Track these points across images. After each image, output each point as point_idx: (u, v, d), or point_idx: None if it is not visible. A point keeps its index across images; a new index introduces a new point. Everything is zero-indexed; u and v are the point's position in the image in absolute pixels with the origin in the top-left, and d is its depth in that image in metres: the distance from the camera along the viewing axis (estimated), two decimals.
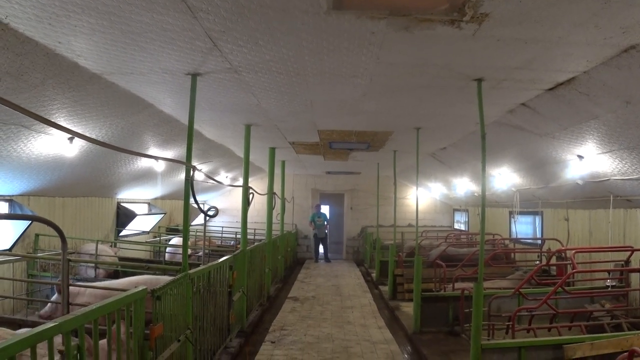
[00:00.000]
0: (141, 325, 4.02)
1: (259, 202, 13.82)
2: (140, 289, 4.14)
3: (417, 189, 9.18)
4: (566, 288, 7.84)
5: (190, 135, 5.52)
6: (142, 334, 4.03)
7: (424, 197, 18.23)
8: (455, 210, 17.99)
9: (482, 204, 5.26)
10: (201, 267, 6.12)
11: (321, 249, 18.30)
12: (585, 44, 4.02)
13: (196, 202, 5.45)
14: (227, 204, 17.76)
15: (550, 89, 5.51)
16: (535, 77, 5.06)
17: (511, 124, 7.15)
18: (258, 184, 16.78)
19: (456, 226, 17.58)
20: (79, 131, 6.43)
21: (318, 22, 3.71)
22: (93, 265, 8.36)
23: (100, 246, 9.45)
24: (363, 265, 16.86)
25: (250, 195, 8.42)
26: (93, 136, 6.74)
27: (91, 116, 6.19)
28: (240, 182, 16.91)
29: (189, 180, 5.35)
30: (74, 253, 9.00)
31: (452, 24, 3.63)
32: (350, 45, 4.23)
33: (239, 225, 15.88)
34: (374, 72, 5.02)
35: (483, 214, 5.17)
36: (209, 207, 6.24)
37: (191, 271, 5.41)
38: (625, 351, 3.99)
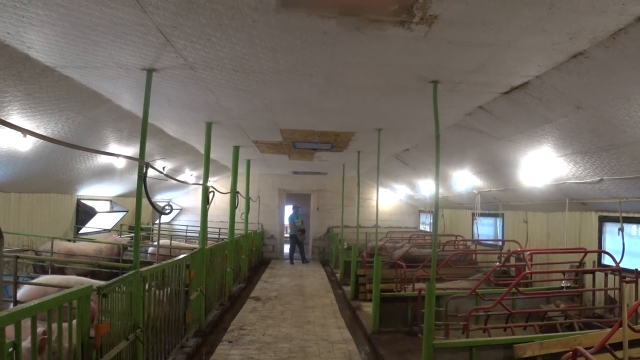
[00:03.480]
0: (86, 323, 3.93)
1: (224, 201, 13.67)
2: (85, 286, 4.05)
3: (377, 189, 9.21)
4: (523, 289, 8.02)
5: (144, 131, 5.41)
6: (87, 332, 3.95)
7: (389, 199, 18.37)
8: (420, 211, 18.17)
9: (435, 204, 5.31)
10: (155, 265, 6.01)
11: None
12: (535, 48, 4.09)
13: (149, 199, 5.34)
14: (192, 202, 17.52)
15: (506, 93, 5.59)
16: (490, 81, 5.13)
17: (470, 127, 7.24)
18: (224, 183, 16.68)
19: (421, 228, 17.75)
20: (34, 125, 6.25)
21: (268, 19, 3.67)
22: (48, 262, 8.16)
23: (61, 243, 9.22)
24: (329, 265, 16.88)
25: (211, 194, 8.30)
26: (49, 131, 6.57)
27: (45, 110, 6.01)
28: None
29: (142, 177, 5.24)
30: (27, 250, 8.76)
31: (402, 25, 3.64)
32: (303, 44, 4.20)
33: (198, 223, 15.77)
34: (330, 71, 5.01)
35: (436, 215, 5.21)
36: (164, 204, 6.11)
37: (143, 269, 5.31)
38: (570, 350, 4.08)
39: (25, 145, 6.40)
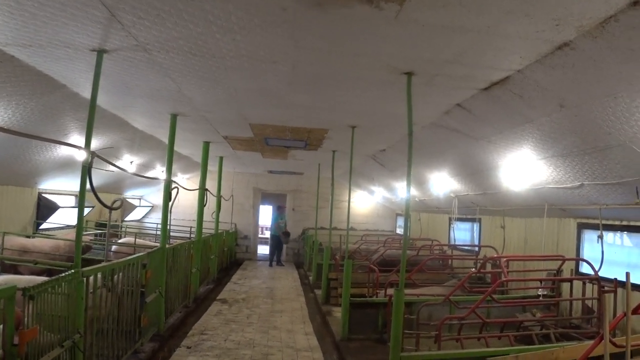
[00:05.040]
0: (9, 329, 3.50)
1: (196, 199, 13.17)
2: (8, 286, 3.60)
3: (349, 189, 8.84)
4: (499, 297, 7.71)
5: (92, 117, 4.94)
6: (11, 338, 3.52)
7: (366, 201, 18.03)
8: (397, 215, 17.85)
9: (407, 205, 4.94)
10: (102, 264, 5.54)
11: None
12: (517, 36, 3.74)
13: (94, 192, 4.86)
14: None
15: (485, 89, 5.25)
16: (469, 74, 4.78)
17: (448, 126, 6.90)
18: (195, 180, 16.11)
19: (398, 231, 17.43)
20: None
21: None
22: None
23: (16, 239, 8.65)
24: (302, 267, 16.45)
25: (174, 190, 7.82)
26: None
27: None
28: (179, 177, 16.29)
29: (87, 167, 4.77)
30: None
31: (369, 2, 3.24)
32: (262, 23, 3.79)
33: (175, 222, 15.22)
34: (296, 58, 4.60)
35: (407, 216, 4.85)
36: (114, 200, 5.64)
37: (86, 269, 4.84)
38: None
39: None
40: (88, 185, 4.81)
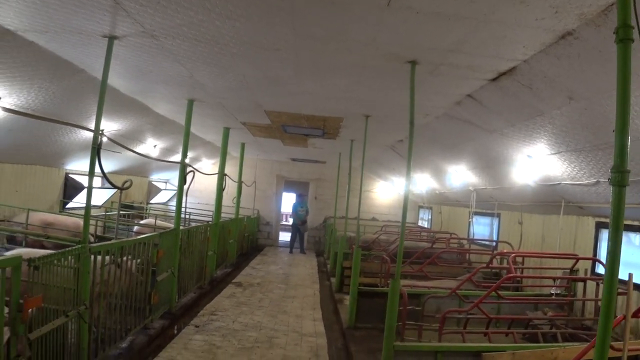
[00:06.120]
0: (15, 295, 3.69)
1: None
2: (14, 256, 3.80)
3: (361, 177, 8.80)
4: (508, 293, 7.59)
5: (102, 100, 5.11)
6: (16, 305, 3.70)
7: (388, 192, 17.91)
8: (420, 207, 17.68)
9: (405, 196, 4.90)
10: (112, 241, 5.70)
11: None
12: (516, 24, 3.64)
13: (103, 173, 5.01)
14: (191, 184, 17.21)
15: (494, 80, 5.13)
16: (474, 64, 4.68)
17: (461, 117, 6.78)
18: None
19: (420, 223, 17.27)
20: (5, 93, 5.96)
21: None
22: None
23: (39, 215, 8.98)
24: (322, 256, 16.51)
25: (190, 175, 7.96)
26: (22, 99, 6.31)
27: (14, 77, 5.71)
28: (204, 162, 16.54)
29: (96, 148, 4.92)
30: (2, 221, 8.53)
31: None
32: (258, 11, 3.82)
33: (200, 206, 15.50)
34: (298, 46, 4.61)
35: (405, 205, 4.80)
36: (124, 181, 5.80)
37: (93, 245, 5.01)
38: None
39: None
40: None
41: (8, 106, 6.05)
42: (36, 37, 5.00)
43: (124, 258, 5.69)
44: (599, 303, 6.78)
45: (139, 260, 6.08)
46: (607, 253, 2.39)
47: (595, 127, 4.88)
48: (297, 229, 17.10)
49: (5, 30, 4.70)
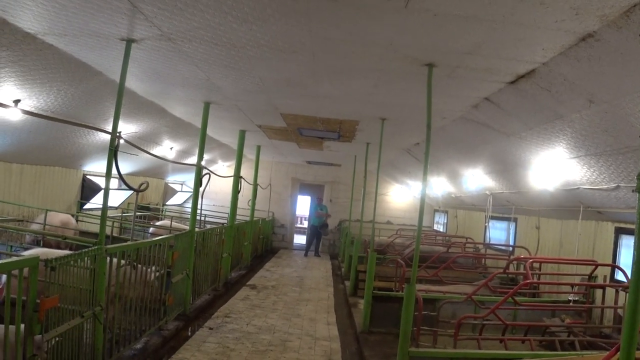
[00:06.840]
0: (32, 295, 3.73)
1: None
2: (31, 257, 3.85)
3: (377, 181, 8.77)
4: (526, 299, 7.47)
5: (119, 103, 5.17)
6: (33, 305, 3.74)
7: (404, 196, 17.82)
8: (435, 211, 17.55)
9: (422, 198, 4.85)
10: (127, 243, 5.75)
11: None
12: (536, 26, 3.59)
13: (120, 174, 5.05)
14: (208, 186, 17.31)
15: (512, 83, 5.07)
16: (491, 67, 4.63)
17: (478, 121, 6.72)
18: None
19: (435, 227, 17.15)
20: (25, 95, 6.06)
21: None
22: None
23: (61, 216, 9.08)
24: (337, 259, 16.47)
25: (205, 177, 8.00)
26: (41, 101, 6.40)
27: (34, 79, 5.80)
28: (219, 164, 16.62)
29: (113, 150, 4.96)
30: (22, 221, 8.66)
31: None
32: (275, 14, 3.82)
33: (215, 208, 15.57)
34: (314, 48, 4.60)
35: (422, 210, 4.76)
36: (141, 182, 5.84)
37: (109, 246, 5.05)
38: None
39: (15, 114, 6.19)
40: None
41: (28, 109, 6.14)
42: (55, 41, 5.06)
43: (143, 267, 5.73)
44: (619, 311, 6.68)
45: (157, 269, 6.12)
46: (633, 262, 2.32)
47: (616, 130, 4.79)
48: (316, 231, 16.91)
49: (26, 33, 4.78)
